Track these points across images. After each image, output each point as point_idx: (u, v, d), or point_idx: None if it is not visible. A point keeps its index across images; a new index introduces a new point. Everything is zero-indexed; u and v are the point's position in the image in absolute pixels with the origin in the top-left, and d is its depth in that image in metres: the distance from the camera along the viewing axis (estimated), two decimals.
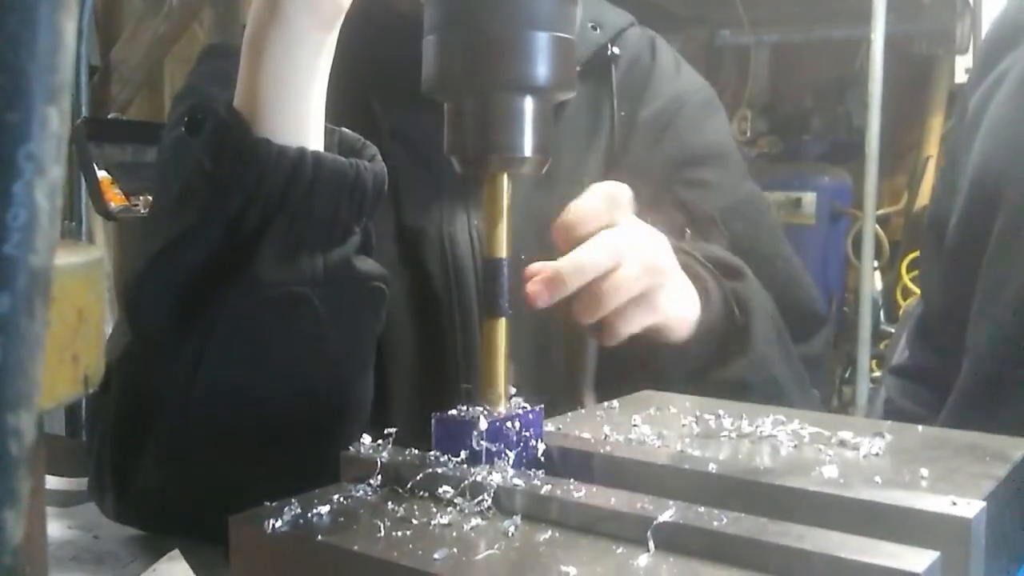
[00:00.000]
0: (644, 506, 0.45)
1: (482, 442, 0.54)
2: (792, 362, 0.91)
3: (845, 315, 3.97)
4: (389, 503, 0.50)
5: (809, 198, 4.09)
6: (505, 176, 0.60)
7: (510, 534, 0.46)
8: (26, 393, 0.22)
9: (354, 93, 0.91)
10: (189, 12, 2.99)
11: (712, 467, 0.50)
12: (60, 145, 0.22)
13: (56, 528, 0.85)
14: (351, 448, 0.56)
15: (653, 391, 0.76)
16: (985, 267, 1.04)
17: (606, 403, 0.71)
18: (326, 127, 0.75)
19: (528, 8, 0.57)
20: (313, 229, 0.72)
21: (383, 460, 0.54)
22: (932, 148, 4.07)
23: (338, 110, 0.76)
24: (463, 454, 0.54)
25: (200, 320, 0.72)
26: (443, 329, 0.93)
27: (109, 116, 2.92)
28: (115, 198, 2.35)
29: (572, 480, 0.50)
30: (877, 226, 3.60)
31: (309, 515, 0.48)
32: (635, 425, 0.63)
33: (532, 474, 0.52)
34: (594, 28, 1.02)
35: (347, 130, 0.77)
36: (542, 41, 0.57)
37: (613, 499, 0.47)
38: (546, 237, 0.76)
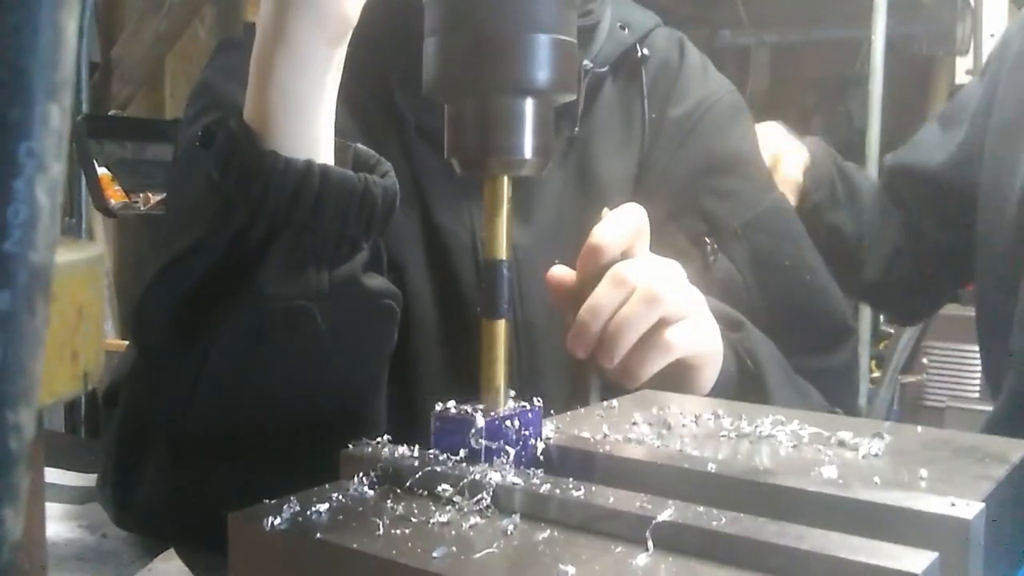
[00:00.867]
0: (643, 505, 0.45)
1: (481, 440, 0.54)
2: (809, 399, 0.92)
3: None
4: (388, 501, 0.50)
5: None
6: (505, 178, 0.60)
7: (509, 533, 0.46)
8: (26, 390, 0.22)
9: (379, 89, 0.91)
10: (190, 9, 2.99)
11: (711, 467, 0.50)
12: (61, 142, 0.22)
13: (65, 528, 0.85)
14: (350, 446, 0.56)
15: (653, 391, 0.76)
16: None
17: (606, 403, 0.71)
18: (340, 143, 0.75)
19: (529, 10, 0.57)
20: (319, 243, 0.71)
21: (382, 458, 0.54)
22: None
23: (364, 105, 0.75)
24: (462, 452, 0.55)
25: (202, 334, 0.71)
26: (471, 332, 0.92)
27: (110, 113, 2.92)
28: (115, 195, 2.36)
29: (571, 479, 0.50)
30: None
31: (308, 513, 0.48)
32: (635, 424, 0.63)
33: (531, 473, 0.52)
34: (622, 28, 1.02)
35: (361, 146, 0.76)
36: (543, 43, 0.57)
37: (612, 498, 0.47)
38: (582, 241, 0.78)
